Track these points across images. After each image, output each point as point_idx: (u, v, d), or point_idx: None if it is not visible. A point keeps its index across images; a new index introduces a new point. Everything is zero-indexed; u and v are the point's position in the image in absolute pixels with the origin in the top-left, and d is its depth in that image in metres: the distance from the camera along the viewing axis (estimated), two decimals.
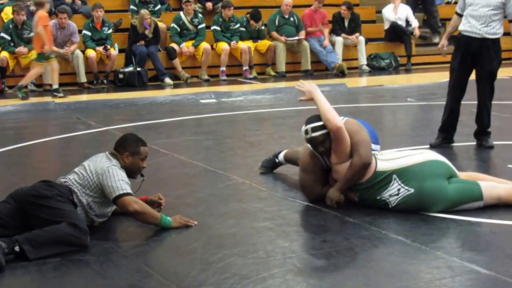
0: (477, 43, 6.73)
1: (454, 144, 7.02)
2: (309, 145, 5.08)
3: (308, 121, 5.02)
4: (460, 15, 6.90)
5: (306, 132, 4.98)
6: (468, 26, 6.75)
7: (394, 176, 4.84)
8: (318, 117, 5.00)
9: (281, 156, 6.06)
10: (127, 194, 4.56)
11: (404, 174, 4.82)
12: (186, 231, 4.63)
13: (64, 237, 4.26)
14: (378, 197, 4.88)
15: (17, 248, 4.14)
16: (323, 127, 4.92)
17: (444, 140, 6.99)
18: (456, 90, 6.93)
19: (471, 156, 6.84)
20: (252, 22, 13.55)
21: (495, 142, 6.93)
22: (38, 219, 4.35)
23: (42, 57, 11.20)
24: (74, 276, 4.00)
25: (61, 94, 11.24)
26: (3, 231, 4.31)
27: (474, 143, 7.03)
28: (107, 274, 3.98)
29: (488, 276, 3.81)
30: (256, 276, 3.86)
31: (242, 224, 4.82)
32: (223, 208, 5.16)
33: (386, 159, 4.95)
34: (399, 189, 4.82)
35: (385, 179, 4.86)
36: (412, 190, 4.78)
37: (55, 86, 11.48)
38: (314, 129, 4.94)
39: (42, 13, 11.08)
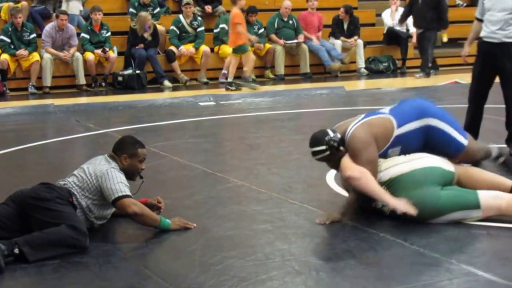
0: (496, 48, 6.69)
1: None
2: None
3: (310, 144, 5.01)
4: (480, 20, 6.86)
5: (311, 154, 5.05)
6: (487, 31, 6.72)
7: (384, 187, 4.75)
8: (316, 139, 4.96)
9: None
10: (126, 196, 4.57)
11: (394, 184, 4.75)
12: (185, 233, 4.64)
13: (63, 239, 4.27)
14: (374, 204, 4.84)
15: (16, 250, 4.15)
16: (321, 151, 4.92)
17: None
18: (477, 95, 6.87)
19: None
20: (249, 16, 13.50)
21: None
22: (38, 221, 4.36)
23: (240, 50, 12.12)
24: (73, 278, 4.01)
25: (233, 88, 11.94)
26: (3, 233, 4.32)
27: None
28: (106, 276, 3.99)
29: (486, 279, 3.82)
30: (255, 278, 3.87)
31: (241, 226, 4.83)
32: (222, 210, 5.17)
33: (386, 168, 4.85)
34: None
35: None
36: None
37: (230, 79, 12.19)
38: (314, 154, 4.98)
39: (236, 10, 11.98)
